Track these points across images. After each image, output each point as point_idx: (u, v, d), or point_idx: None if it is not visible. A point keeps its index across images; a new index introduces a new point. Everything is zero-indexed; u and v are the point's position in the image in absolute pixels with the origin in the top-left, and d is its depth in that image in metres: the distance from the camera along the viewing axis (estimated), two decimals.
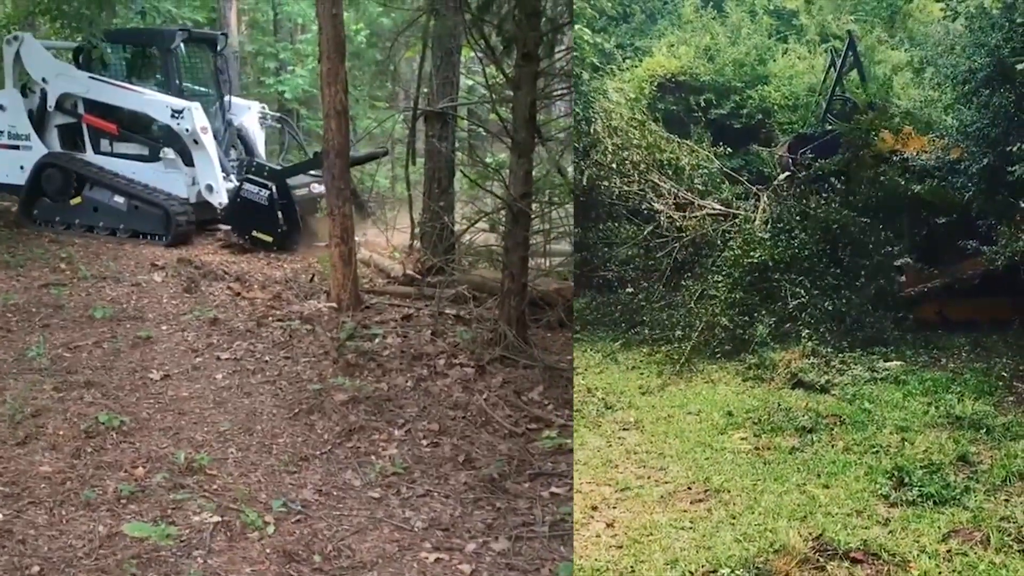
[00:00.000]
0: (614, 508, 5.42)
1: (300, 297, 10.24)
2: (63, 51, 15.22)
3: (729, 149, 12.19)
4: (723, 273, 9.49)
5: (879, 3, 15.03)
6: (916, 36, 14.48)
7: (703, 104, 13.67)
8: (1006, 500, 5.39)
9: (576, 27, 10.56)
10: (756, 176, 12.11)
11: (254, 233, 12.95)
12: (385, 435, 6.41)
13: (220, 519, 5.10)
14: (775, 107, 13.36)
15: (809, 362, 8.23)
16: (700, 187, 11.12)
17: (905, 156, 9.90)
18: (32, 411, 6.48)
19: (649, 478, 5.90)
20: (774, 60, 14.16)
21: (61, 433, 6.15)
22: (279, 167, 13.53)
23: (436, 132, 10.68)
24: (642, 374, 8.54)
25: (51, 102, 14.25)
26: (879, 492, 5.53)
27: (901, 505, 5.34)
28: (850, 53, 11.31)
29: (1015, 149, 8.14)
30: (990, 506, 5.27)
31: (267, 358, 8.14)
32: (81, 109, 14.26)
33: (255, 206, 12.81)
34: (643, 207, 10.94)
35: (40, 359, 7.71)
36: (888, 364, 8.41)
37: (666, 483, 5.80)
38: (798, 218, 9.73)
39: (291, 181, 13.10)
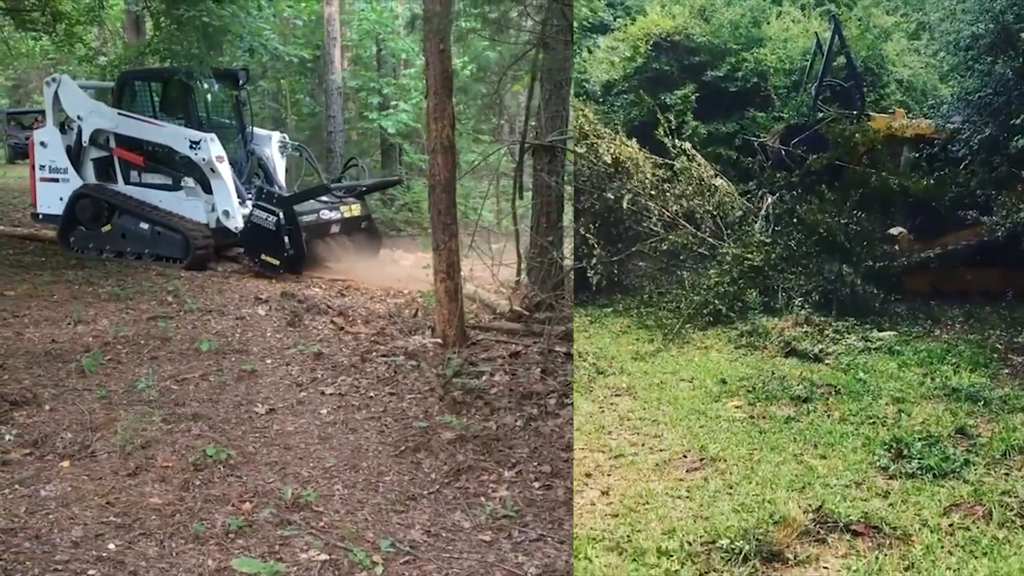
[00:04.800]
0: (609, 475, 5.37)
1: (404, 332, 10.15)
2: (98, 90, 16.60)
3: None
4: (721, 267, 9.39)
5: None
6: (912, 0, 14.08)
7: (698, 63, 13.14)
8: (1006, 474, 5.31)
9: None
10: (747, 146, 11.83)
11: (263, 256, 13.61)
12: (495, 476, 6.20)
13: (328, 557, 4.96)
14: (771, 70, 12.91)
15: (802, 331, 8.18)
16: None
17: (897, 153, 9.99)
18: (142, 442, 6.46)
19: (644, 445, 5.83)
20: (768, 23, 13.69)
21: (170, 465, 6.11)
22: (287, 194, 14.22)
23: (545, 166, 10.54)
24: (634, 339, 8.39)
25: (85, 137, 15.26)
26: (878, 464, 5.47)
27: (900, 477, 5.26)
28: (836, 38, 10.87)
29: (1019, 121, 7.90)
30: (991, 480, 5.20)
31: (372, 394, 8.04)
32: (112, 143, 15.21)
33: (263, 231, 13.48)
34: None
35: (149, 391, 7.74)
36: (882, 334, 8.35)
37: (661, 451, 5.73)
38: (795, 221, 9.68)
39: (300, 208, 13.75)
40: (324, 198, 14.52)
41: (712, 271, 9.31)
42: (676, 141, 10.57)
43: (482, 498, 5.86)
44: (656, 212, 10.12)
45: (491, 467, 6.32)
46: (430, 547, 5.19)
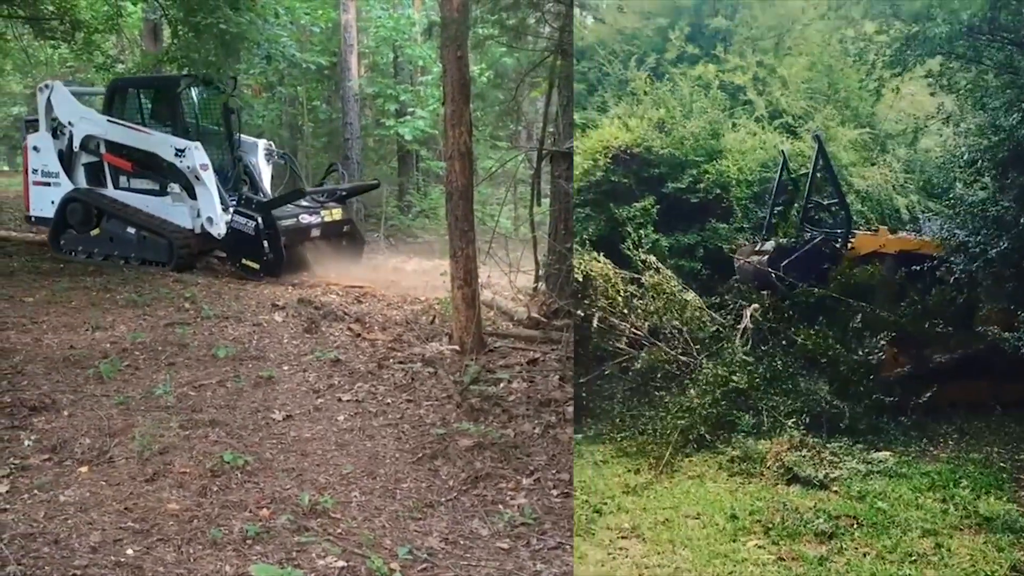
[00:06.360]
0: None
1: (422, 339, 10.14)
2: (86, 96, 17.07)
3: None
4: (701, 387, 8.73)
5: (830, 86, 14.38)
6: (862, 114, 13.99)
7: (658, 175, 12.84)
8: None
9: None
10: (714, 252, 11.58)
11: (243, 260, 14.02)
12: (513, 483, 6.17)
13: (345, 564, 4.94)
14: (733, 181, 12.70)
15: (799, 454, 7.55)
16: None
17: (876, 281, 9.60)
18: (160, 448, 6.46)
19: None
20: (723, 135, 13.50)
21: (187, 471, 6.10)
22: (265, 200, 14.50)
23: (563, 172, 10.52)
24: (620, 470, 7.70)
25: (76, 143, 15.60)
26: None
27: None
28: (820, 158, 10.36)
29: None
30: None
31: (389, 400, 8.02)
32: (102, 149, 15.54)
33: (243, 236, 13.90)
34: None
35: (167, 397, 7.75)
36: (880, 455, 7.85)
37: None
38: (783, 343, 9.24)
39: (279, 212, 14.08)
40: (305, 203, 14.85)
41: (692, 392, 8.69)
42: (643, 255, 10.32)
43: (500, 506, 5.83)
44: (625, 329, 9.79)
45: (509, 474, 6.29)
46: (448, 554, 5.17)
